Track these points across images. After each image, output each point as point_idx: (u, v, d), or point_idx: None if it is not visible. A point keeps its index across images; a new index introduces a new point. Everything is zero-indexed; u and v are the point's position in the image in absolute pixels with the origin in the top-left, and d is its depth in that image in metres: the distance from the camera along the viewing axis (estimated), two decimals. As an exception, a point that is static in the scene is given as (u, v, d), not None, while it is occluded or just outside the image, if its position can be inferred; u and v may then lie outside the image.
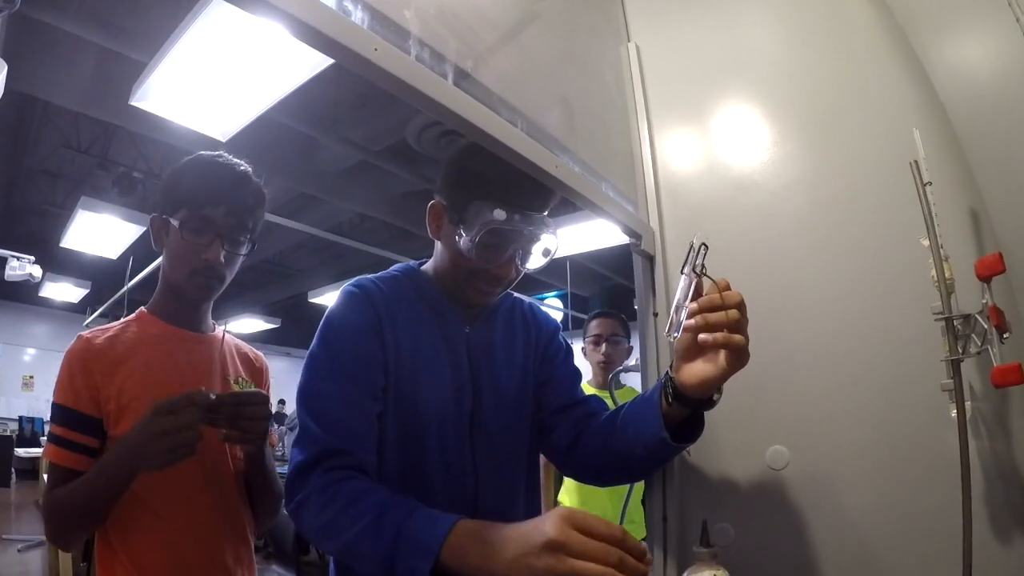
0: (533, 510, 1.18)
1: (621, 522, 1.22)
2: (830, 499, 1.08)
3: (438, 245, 1.13)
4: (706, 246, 0.89)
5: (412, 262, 1.18)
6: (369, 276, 1.10)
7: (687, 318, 0.89)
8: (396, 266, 1.16)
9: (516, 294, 1.26)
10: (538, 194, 1.02)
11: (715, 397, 0.96)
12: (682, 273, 0.91)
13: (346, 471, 0.90)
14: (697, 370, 0.90)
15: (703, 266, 0.89)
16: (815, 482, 1.10)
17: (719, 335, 0.86)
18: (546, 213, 1.06)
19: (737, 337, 0.85)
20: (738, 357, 0.87)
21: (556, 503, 2.06)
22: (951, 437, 0.94)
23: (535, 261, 1.09)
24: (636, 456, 1.03)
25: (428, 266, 1.16)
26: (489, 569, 0.72)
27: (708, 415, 1.01)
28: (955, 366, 0.95)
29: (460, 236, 1.02)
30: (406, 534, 0.78)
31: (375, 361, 1.01)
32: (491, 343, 1.15)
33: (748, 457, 1.16)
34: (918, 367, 1.03)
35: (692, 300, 0.90)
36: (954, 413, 0.94)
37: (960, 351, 0.95)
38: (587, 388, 1.87)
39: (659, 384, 1.00)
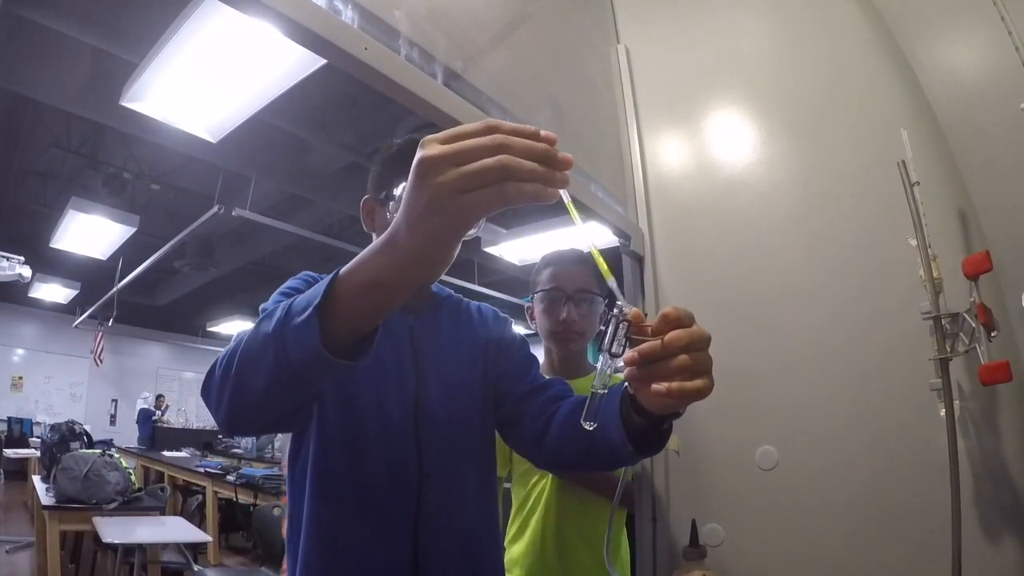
0: (486, 513, 1.15)
1: (607, 547, 1.22)
2: (819, 499, 1.09)
3: (375, 239, 1.12)
4: (629, 322, 0.71)
5: None
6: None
7: (628, 365, 0.73)
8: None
9: (464, 297, 1.27)
10: None
11: (680, 410, 0.81)
12: (599, 351, 0.73)
13: None
14: (654, 400, 0.76)
15: (624, 344, 0.71)
16: (804, 482, 1.10)
17: (665, 386, 0.71)
18: None
19: (690, 386, 0.70)
20: (697, 393, 0.72)
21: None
22: (940, 436, 0.95)
23: None
24: (604, 460, 1.01)
25: None
26: (393, 262, 0.63)
27: (697, 416, 1.00)
28: (943, 365, 0.95)
29: (390, 211, 1.03)
30: (291, 308, 0.69)
31: None
32: (436, 333, 1.15)
33: (737, 457, 1.16)
34: (906, 366, 1.04)
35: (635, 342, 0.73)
36: (942, 412, 0.94)
37: (948, 350, 0.95)
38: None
39: (619, 392, 0.87)
